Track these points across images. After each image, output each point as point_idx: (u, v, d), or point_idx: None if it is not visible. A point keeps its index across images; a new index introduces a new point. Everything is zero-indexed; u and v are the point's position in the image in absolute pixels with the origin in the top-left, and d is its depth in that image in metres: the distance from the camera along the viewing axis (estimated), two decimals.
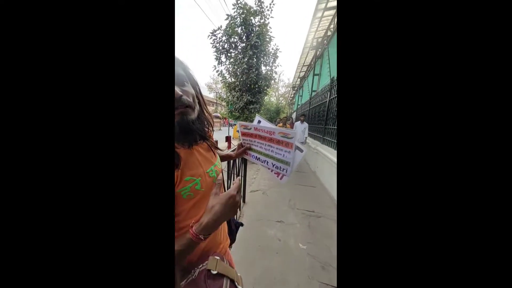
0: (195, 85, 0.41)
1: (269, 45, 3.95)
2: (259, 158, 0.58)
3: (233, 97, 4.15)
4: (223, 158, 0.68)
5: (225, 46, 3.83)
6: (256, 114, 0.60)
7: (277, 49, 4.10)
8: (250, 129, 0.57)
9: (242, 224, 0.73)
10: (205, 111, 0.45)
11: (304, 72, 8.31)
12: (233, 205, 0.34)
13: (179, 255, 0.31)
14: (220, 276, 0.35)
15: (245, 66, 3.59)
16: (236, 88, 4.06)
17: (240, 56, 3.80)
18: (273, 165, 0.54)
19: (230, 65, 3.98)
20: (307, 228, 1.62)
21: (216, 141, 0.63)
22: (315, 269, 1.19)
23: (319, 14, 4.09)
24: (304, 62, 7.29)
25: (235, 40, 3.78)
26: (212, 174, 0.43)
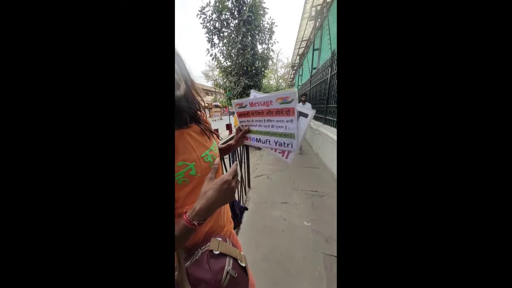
0: (180, 63, 0.36)
1: (263, 19, 3.59)
2: (259, 139, 0.51)
3: (230, 83, 3.96)
4: (224, 150, 0.64)
5: (216, 25, 3.51)
6: (251, 90, 0.53)
7: (272, 23, 3.74)
8: (245, 106, 0.50)
9: (246, 209, 0.74)
10: (194, 93, 0.41)
11: (303, 49, 7.72)
12: (228, 190, 0.32)
13: (176, 241, 0.31)
14: (223, 255, 0.35)
15: (240, 46, 3.33)
16: (233, 72, 3.85)
17: (233, 35, 3.50)
18: (276, 143, 0.47)
19: (224, 47, 3.70)
20: (311, 207, 1.68)
21: (217, 130, 0.60)
22: (319, 242, 1.26)
23: None
24: (302, 37, 6.70)
25: (226, 16, 3.44)
26: (207, 159, 0.41)
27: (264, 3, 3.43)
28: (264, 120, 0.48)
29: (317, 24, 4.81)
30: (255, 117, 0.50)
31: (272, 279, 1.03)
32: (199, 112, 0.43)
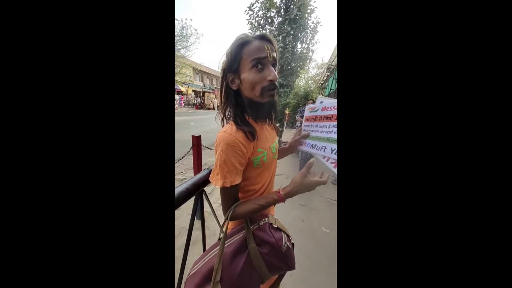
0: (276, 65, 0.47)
1: (309, 18, 3.48)
2: (315, 145, 0.53)
3: None
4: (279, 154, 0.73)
5: (261, 22, 3.57)
6: (319, 96, 0.56)
7: (318, 22, 3.59)
8: (317, 110, 0.53)
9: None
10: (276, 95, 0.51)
11: None
12: (308, 183, 0.41)
13: (261, 209, 0.43)
14: (279, 229, 0.45)
15: (281, 44, 3.34)
16: None
17: (275, 33, 3.51)
18: (332, 151, 0.47)
19: None
20: (330, 214, 1.66)
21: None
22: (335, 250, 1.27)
23: None
24: None
25: (272, 14, 3.46)
26: (273, 150, 0.50)
27: (315, 1, 3.32)
28: (330, 125, 0.50)
29: None
30: (322, 122, 0.53)
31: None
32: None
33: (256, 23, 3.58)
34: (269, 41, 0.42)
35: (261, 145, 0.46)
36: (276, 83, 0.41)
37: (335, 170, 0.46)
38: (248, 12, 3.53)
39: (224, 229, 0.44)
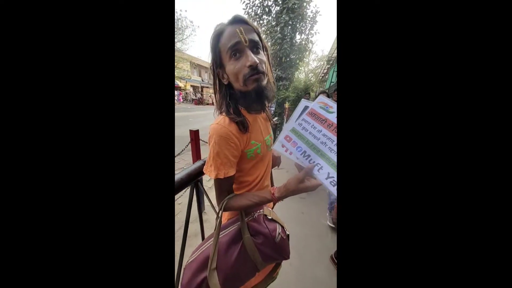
0: (266, 52, 0.44)
1: (308, 7, 3.36)
2: (309, 157, 0.38)
3: None
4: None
5: (258, 11, 3.45)
6: (320, 94, 0.44)
7: (317, 12, 3.47)
8: (332, 112, 0.38)
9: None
10: (270, 80, 0.47)
11: None
12: (302, 188, 0.37)
13: (253, 206, 0.42)
14: (274, 221, 0.46)
15: (279, 35, 3.24)
16: None
17: (273, 23, 3.40)
18: (327, 176, 0.34)
19: (264, 35, 3.64)
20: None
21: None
22: (335, 240, 1.30)
23: None
24: None
25: (269, 3, 3.33)
26: (268, 142, 0.49)
27: None
28: (321, 130, 0.37)
29: None
30: (329, 131, 0.37)
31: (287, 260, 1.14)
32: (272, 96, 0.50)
33: (253, 13, 3.46)
34: (241, 21, 0.38)
35: (255, 137, 0.44)
36: (259, 67, 0.38)
37: (332, 187, 0.33)
38: (244, 1, 3.40)
39: (217, 219, 0.43)
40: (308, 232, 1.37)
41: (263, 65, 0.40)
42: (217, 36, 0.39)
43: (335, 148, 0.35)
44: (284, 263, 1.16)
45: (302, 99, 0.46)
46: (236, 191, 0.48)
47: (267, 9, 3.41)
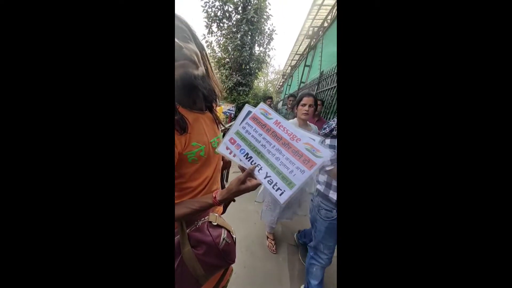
0: (201, 49, 0.42)
1: (265, 24, 3.72)
2: (250, 158, 0.39)
3: (222, 75, 3.91)
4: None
5: (218, 14, 3.43)
6: (262, 102, 0.46)
7: (273, 30, 3.91)
8: (270, 118, 0.40)
9: (234, 200, 0.82)
10: (214, 84, 0.46)
11: (296, 61, 8.20)
12: (244, 189, 0.38)
13: (194, 213, 0.39)
14: (219, 227, 0.43)
15: (239, 42, 3.35)
16: (226, 66, 3.82)
17: (234, 29, 3.49)
18: (267, 177, 0.37)
19: (222, 38, 3.64)
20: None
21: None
22: (286, 235, 1.43)
23: (320, 1, 3.97)
24: (297, 50, 7.14)
25: (230, 9, 3.41)
26: (214, 145, 0.47)
27: (270, 9, 3.57)
28: (275, 146, 0.38)
29: (312, 43, 5.25)
30: (269, 136, 0.40)
31: (241, 262, 1.13)
32: (213, 96, 0.48)
33: (213, 13, 3.41)
34: None
35: (197, 138, 0.41)
36: (184, 52, 0.36)
37: (279, 196, 0.36)
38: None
39: None
40: (263, 233, 1.43)
41: (193, 55, 0.38)
42: None
43: (272, 150, 0.39)
44: (238, 264, 1.14)
45: (246, 104, 0.47)
46: (178, 199, 0.43)
47: (227, 14, 3.47)
